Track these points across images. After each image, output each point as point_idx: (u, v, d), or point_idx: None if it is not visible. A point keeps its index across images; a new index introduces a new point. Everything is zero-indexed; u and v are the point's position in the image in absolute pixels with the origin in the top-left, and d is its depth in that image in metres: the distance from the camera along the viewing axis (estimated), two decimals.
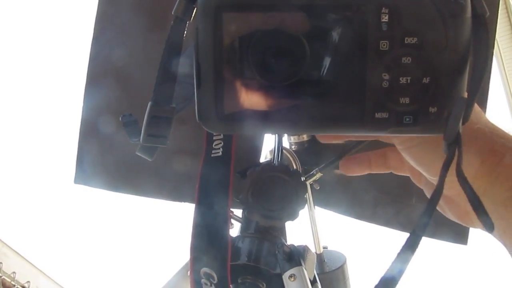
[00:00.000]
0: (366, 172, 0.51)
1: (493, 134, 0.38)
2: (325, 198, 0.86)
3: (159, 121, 0.36)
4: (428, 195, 0.45)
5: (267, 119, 0.34)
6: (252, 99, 0.33)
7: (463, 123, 0.32)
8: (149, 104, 0.36)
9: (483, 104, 0.82)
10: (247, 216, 0.63)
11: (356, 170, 0.51)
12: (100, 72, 0.83)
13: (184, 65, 0.37)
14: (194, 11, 0.35)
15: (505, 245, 0.38)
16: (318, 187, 0.81)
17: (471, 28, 0.32)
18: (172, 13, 0.35)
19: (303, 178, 0.78)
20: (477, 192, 0.31)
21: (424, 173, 0.41)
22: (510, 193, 0.36)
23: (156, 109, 0.36)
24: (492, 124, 0.39)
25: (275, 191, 0.52)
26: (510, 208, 0.36)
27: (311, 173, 0.78)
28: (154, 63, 0.36)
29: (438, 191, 0.32)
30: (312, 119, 0.34)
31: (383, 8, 0.31)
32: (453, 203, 0.42)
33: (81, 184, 0.85)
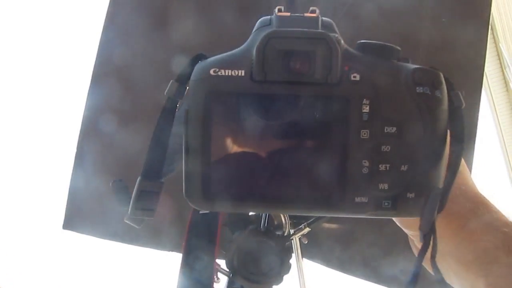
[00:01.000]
0: None
1: (465, 198, 0.39)
2: (313, 251, 0.87)
3: (147, 195, 0.37)
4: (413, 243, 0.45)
5: (252, 201, 0.35)
6: (237, 182, 0.35)
7: (438, 212, 0.33)
8: (138, 178, 0.37)
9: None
10: (232, 278, 0.64)
11: None
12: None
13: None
14: (186, 91, 0.37)
15: None
16: (307, 241, 0.81)
17: (448, 119, 0.34)
18: (165, 93, 0.36)
19: (292, 231, 0.80)
20: (442, 251, 0.33)
21: (405, 230, 0.42)
22: (471, 256, 0.37)
23: (145, 184, 0.37)
24: (467, 182, 0.41)
25: (260, 257, 0.53)
26: (473, 270, 0.37)
27: (299, 227, 0.79)
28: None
29: (415, 275, 0.34)
30: (294, 201, 0.35)
31: (364, 99, 0.33)
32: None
33: (69, 230, 0.85)
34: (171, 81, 0.36)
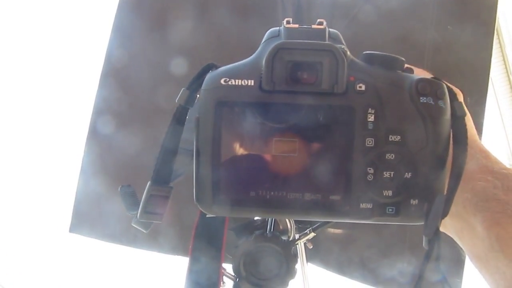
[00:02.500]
0: None
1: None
2: (318, 256, 0.88)
3: (156, 199, 0.39)
4: None
5: (260, 206, 0.37)
6: (246, 188, 0.36)
7: (442, 218, 0.35)
8: (148, 183, 0.39)
9: None
10: (238, 283, 0.65)
11: None
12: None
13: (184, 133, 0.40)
14: (196, 99, 0.38)
15: (462, 246, 0.41)
16: (311, 246, 0.83)
17: (451, 128, 0.36)
18: (176, 101, 0.38)
19: (297, 236, 0.81)
20: None
21: None
22: (469, 194, 0.38)
23: (154, 188, 0.39)
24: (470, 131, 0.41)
25: (266, 263, 0.55)
26: (470, 208, 0.38)
27: (304, 232, 0.80)
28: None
29: (420, 280, 0.35)
30: (302, 207, 0.36)
31: (369, 109, 0.35)
32: None
33: (75, 233, 0.87)
34: (182, 89, 0.37)
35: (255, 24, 0.83)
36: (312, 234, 0.79)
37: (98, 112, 0.99)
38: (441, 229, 0.41)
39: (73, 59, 1.50)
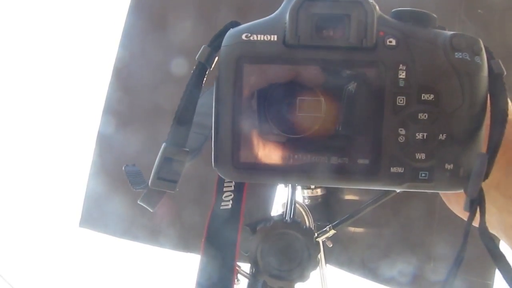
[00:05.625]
0: None
1: None
2: (337, 256, 0.86)
3: (172, 163, 0.37)
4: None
5: (282, 170, 0.35)
6: (267, 150, 0.35)
7: (483, 180, 0.33)
8: (163, 145, 0.38)
9: None
10: (254, 274, 0.63)
11: None
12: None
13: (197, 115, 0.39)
14: (216, 60, 0.38)
15: (510, 244, 0.38)
16: (331, 245, 0.81)
17: (488, 86, 0.34)
18: (196, 58, 0.37)
19: (315, 235, 0.79)
20: (490, 184, 0.31)
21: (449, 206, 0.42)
22: None
23: (170, 150, 0.37)
24: None
25: (286, 250, 0.52)
26: None
27: (324, 229, 0.78)
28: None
29: (461, 252, 0.33)
30: (328, 172, 0.35)
31: (401, 65, 0.34)
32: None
33: (86, 228, 0.87)
34: (203, 46, 0.37)
35: None
36: (332, 232, 0.77)
37: (109, 111, 0.99)
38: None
39: (81, 59, 1.52)
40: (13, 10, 1.58)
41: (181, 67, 0.86)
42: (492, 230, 0.39)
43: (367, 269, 0.86)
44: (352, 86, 0.35)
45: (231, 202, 0.62)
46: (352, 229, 0.88)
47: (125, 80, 1.01)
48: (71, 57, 1.55)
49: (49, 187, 1.51)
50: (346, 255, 0.87)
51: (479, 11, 0.85)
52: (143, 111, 1.01)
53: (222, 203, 0.62)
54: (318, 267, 0.80)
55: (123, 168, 0.48)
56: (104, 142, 0.96)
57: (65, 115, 1.55)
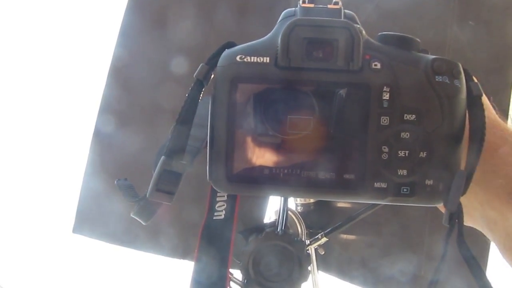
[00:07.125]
0: None
1: (494, 126, 0.41)
2: (329, 263, 0.88)
3: (170, 175, 0.40)
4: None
5: (273, 183, 0.38)
6: (260, 165, 0.38)
7: (462, 195, 0.36)
8: (162, 158, 0.40)
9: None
10: (246, 284, 0.65)
11: None
12: None
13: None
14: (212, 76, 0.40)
15: (493, 239, 0.41)
16: (323, 252, 0.83)
17: (467, 107, 0.37)
18: (194, 76, 0.40)
19: (308, 242, 0.82)
20: (472, 180, 0.34)
21: None
22: (503, 180, 0.38)
23: (169, 162, 0.40)
24: (495, 117, 0.42)
25: (277, 262, 0.53)
26: (503, 196, 0.38)
27: (316, 237, 0.81)
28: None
29: (443, 260, 0.36)
30: (316, 187, 0.38)
31: (385, 87, 0.37)
32: None
33: (79, 234, 0.88)
34: (201, 64, 0.39)
35: (256, 24, 0.85)
36: (324, 239, 0.80)
37: (103, 113, 1.01)
38: (469, 222, 0.42)
39: (78, 59, 1.54)
40: (11, 9, 1.60)
41: (178, 65, 0.88)
42: (476, 225, 0.42)
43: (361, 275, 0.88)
44: (340, 107, 0.37)
45: (224, 212, 0.63)
46: (344, 236, 0.91)
47: (122, 79, 1.03)
48: (68, 55, 1.56)
49: (45, 188, 1.52)
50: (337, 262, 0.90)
51: (470, 22, 0.88)
52: (141, 110, 1.02)
53: (215, 213, 0.64)
54: (311, 276, 0.83)
55: (115, 182, 0.50)
56: (100, 142, 0.98)
57: (62, 114, 1.56)
